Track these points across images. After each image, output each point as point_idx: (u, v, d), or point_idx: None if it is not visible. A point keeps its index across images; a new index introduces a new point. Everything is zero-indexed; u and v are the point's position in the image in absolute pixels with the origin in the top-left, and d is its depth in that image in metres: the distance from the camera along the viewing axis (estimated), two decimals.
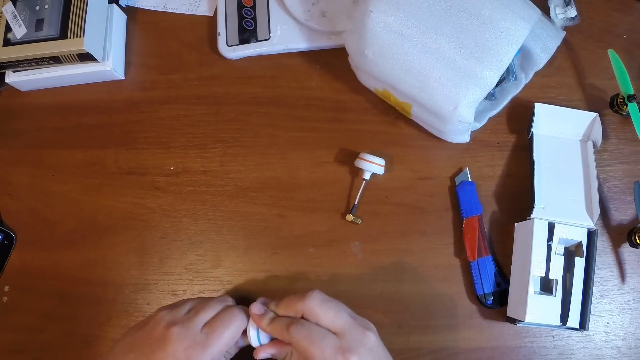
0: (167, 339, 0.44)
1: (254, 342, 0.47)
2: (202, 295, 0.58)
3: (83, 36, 0.58)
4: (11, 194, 0.61)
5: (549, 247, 0.53)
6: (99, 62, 0.61)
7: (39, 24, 0.58)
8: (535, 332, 0.56)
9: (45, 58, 0.59)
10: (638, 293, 0.57)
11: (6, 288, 0.58)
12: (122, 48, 0.65)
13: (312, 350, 0.42)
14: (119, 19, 0.65)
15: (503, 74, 0.54)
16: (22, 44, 0.58)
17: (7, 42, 0.59)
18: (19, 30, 0.58)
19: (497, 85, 0.57)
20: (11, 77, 0.63)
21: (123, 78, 0.65)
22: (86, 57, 0.59)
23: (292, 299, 0.46)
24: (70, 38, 0.58)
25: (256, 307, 0.47)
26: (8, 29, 0.59)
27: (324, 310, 0.44)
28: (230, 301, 0.51)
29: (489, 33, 0.50)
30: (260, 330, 0.47)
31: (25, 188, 0.62)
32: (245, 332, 0.48)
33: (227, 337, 0.46)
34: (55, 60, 0.59)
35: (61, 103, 0.64)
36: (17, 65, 0.60)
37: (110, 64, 0.62)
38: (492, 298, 0.56)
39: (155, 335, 0.44)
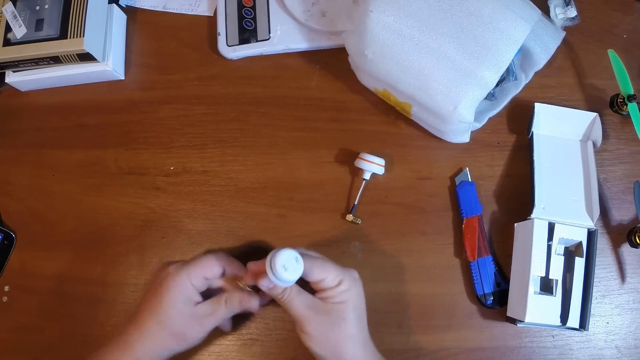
0: (155, 274, 0.50)
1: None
2: None
3: (83, 36, 0.58)
4: (11, 194, 0.61)
5: (549, 247, 0.53)
6: (99, 62, 0.61)
7: (39, 23, 0.58)
8: (535, 332, 0.56)
9: (45, 58, 0.59)
10: (638, 293, 0.57)
11: (6, 288, 0.58)
12: (122, 48, 0.65)
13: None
14: (119, 19, 0.65)
15: (503, 74, 0.54)
16: (22, 44, 0.58)
17: (7, 42, 0.58)
18: (19, 30, 0.58)
19: (497, 85, 0.57)
20: (11, 77, 0.63)
21: (123, 78, 0.65)
22: (86, 57, 0.59)
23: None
24: (70, 38, 0.58)
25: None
26: (8, 29, 0.59)
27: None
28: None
29: (489, 33, 0.50)
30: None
31: (25, 188, 0.61)
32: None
33: (204, 264, 0.49)
34: (55, 60, 0.59)
35: (61, 103, 0.64)
36: (17, 65, 0.60)
37: (110, 64, 0.62)
38: (492, 298, 0.56)
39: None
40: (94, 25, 0.60)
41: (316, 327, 0.45)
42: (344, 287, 0.46)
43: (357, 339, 0.46)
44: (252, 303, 0.50)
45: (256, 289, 0.49)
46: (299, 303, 0.46)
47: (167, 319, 0.47)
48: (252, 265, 0.49)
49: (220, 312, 0.49)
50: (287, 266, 0.43)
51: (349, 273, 0.48)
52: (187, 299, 0.48)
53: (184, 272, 0.48)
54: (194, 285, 0.49)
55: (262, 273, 0.45)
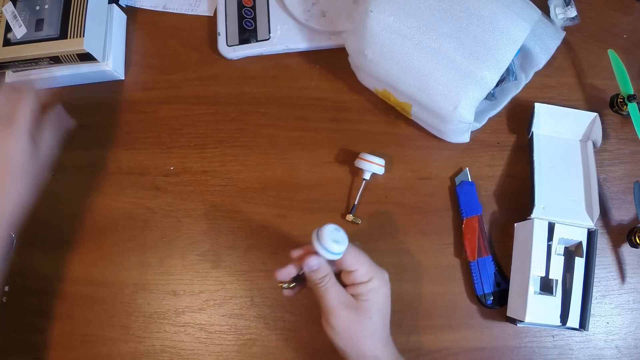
0: None
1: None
2: (202, 294, 0.58)
3: (83, 36, 0.58)
4: None
5: (549, 247, 0.53)
6: (99, 62, 0.61)
7: (39, 23, 0.58)
8: (535, 332, 0.56)
9: (44, 58, 0.59)
10: (638, 293, 0.57)
11: (6, 288, 0.58)
12: (122, 48, 0.65)
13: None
14: (119, 19, 0.65)
15: (503, 74, 0.54)
16: (22, 44, 0.58)
17: (7, 42, 0.58)
18: (19, 30, 0.58)
19: (497, 85, 0.57)
20: (11, 77, 0.63)
21: (123, 78, 0.65)
22: (86, 57, 0.59)
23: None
24: (70, 38, 0.58)
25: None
26: (8, 29, 0.59)
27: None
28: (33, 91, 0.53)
29: (489, 33, 0.50)
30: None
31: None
32: None
33: (26, 112, 0.50)
34: (55, 60, 0.59)
35: (61, 103, 0.64)
36: (17, 65, 0.60)
37: (110, 64, 0.62)
38: (492, 298, 0.56)
39: None
40: (94, 25, 0.60)
41: (342, 322, 0.46)
42: (374, 285, 0.47)
43: (378, 338, 0.47)
44: (68, 123, 0.55)
45: (298, 280, 0.49)
46: (332, 294, 0.46)
47: (16, 175, 0.50)
48: (295, 253, 0.49)
49: (52, 141, 0.54)
50: (335, 238, 0.45)
51: (381, 272, 0.48)
52: (26, 153, 0.50)
53: (16, 131, 0.49)
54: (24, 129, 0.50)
55: (306, 255, 0.47)
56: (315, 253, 0.46)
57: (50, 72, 0.62)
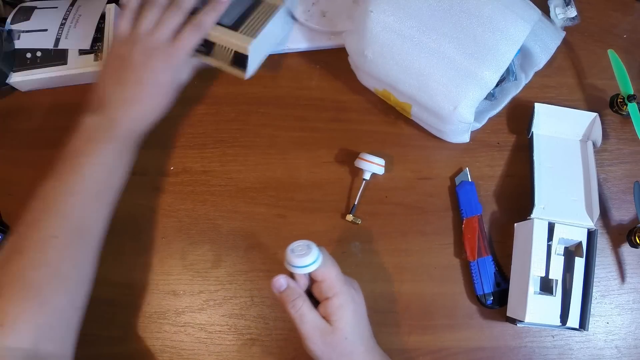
0: (144, 65, 0.53)
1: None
2: (202, 294, 0.58)
3: (254, 37, 0.55)
4: (12, 194, 0.61)
5: (549, 247, 0.53)
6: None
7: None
8: (535, 332, 0.56)
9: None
10: (638, 293, 0.57)
11: None
12: None
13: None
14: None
15: (503, 74, 0.54)
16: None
17: None
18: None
19: (497, 85, 0.57)
20: (12, 78, 0.63)
21: None
22: (240, 62, 0.57)
23: None
24: (240, 33, 0.56)
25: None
26: None
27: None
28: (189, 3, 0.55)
29: (489, 33, 0.50)
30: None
31: (25, 188, 0.61)
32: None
33: (194, 43, 0.55)
34: (208, 47, 0.57)
35: (61, 103, 0.64)
36: None
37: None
38: (492, 298, 0.56)
39: (135, 67, 0.53)
40: (267, 38, 0.58)
41: (320, 347, 0.46)
42: (340, 301, 0.46)
43: (357, 354, 0.47)
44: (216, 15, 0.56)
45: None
46: (308, 322, 0.46)
47: (167, 95, 0.55)
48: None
49: (190, 74, 0.58)
50: (295, 250, 0.46)
51: (347, 286, 0.48)
52: (179, 79, 0.57)
53: (181, 61, 0.55)
54: (179, 64, 0.55)
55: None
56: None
57: (51, 72, 0.62)
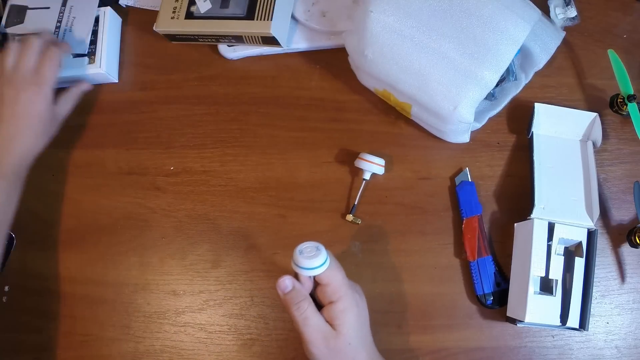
0: (15, 96, 0.55)
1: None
2: (202, 294, 0.58)
3: (271, 19, 0.57)
4: None
5: (549, 247, 0.53)
6: (94, 64, 0.62)
7: (225, 1, 0.59)
8: (535, 332, 0.56)
9: (227, 36, 0.60)
10: (638, 293, 0.57)
11: (6, 288, 0.58)
12: (116, 51, 0.65)
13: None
14: (114, 22, 0.65)
15: (503, 74, 0.54)
16: (204, 19, 0.59)
17: (190, 16, 0.60)
18: (204, 5, 0.59)
19: (497, 85, 0.57)
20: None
21: (117, 81, 0.65)
22: (270, 41, 0.59)
23: None
24: (257, 20, 0.58)
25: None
26: (192, 2, 0.60)
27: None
28: (48, 36, 0.59)
29: (489, 33, 0.50)
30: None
31: (25, 188, 0.61)
32: None
33: (56, 69, 0.57)
34: (238, 39, 0.60)
35: None
36: (196, 39, 0.62)
37: (104, 67, 0.62)
38: (492, 298, 0.56)
39: (6, 102, 0.55)
40: (282, 9, 0.59)
41: (323, 352, 0.46)
42: (343, 306, 0.46)
43: (357, 358, 0.47)
44: (84, 85, 0.62)
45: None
46: (312, 325, 0.46)
47: (40, 130, 0.57)
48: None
49: (69, 105, 0.61)
50: (304, 251, 0.45)
51: (352, 291, 0.47)
52: (51, 111, 0.58)
53: (49, 89, 0.57)
54: (49, 90, 0.57)
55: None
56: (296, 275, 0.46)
57: None
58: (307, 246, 0.46)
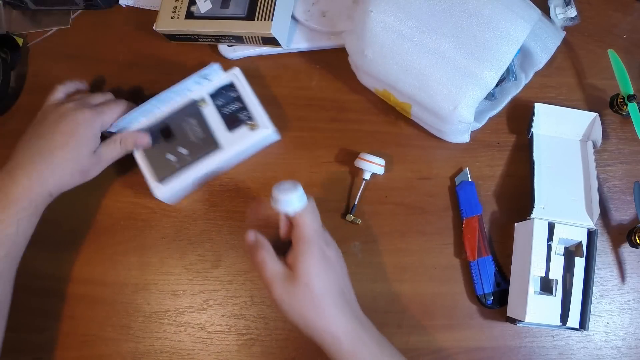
0: (65, 113, 0.53)
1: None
2: (202, 294, 0.58)
3: (271, 20, 0.57)
4: None
5: (549, 247, 0.53)
6: None
7: (225, 1, 0.59)
8: (535, 332, 0.56)
9: (227, 36, 0.59)
10: (638, 293, 0.57)
11: None
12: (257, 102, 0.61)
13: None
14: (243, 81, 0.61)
15: (503, 74, 0.54)
16: (205, 19, 0.59)
17: (190, 15, 0.60)
18: (204, 5, 0.58)
19: (497, 85, 0.57)
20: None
21: (280, 138, 0.63)
22: (270, 42, 0.59)
23: None
24: (258, 20, 0.57)
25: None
26: (192, 2, 0.60)
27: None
28: (110, 96, 0.58)
29: (489, 33, 0.50)
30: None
31: None
32: None
33: (118, 111, 0.55)
34: (238, 40, 0.60)
35: None
36: (196, 39, 0.61)
37: (270, 126, 0.59)
38: (492, 298, 0.56)
39: (54, 116, 0.53)
40: (282, 10, 0.59)
41: (281, 294, 0.46)
42: (302, 248, 0.46)
43: (328, 309, 0.45)
44: (144, 139, 0.57)
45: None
46: (269, 267, 0.46)
47: (78, 157, 0.53)
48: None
49: (116, 151, 0.56)
50: (282, 187, 0.47)
51: (317, 239, 0.47)
52: (95, 140, 0.54)
53: (99, 118, 0.54)
54: (101, 127, 0.54)
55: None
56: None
57: None
58: (286, 183, 0.48)
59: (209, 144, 0.57)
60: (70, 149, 0.52)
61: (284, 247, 0.49)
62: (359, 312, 0.48)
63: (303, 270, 0.45)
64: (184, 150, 0.56)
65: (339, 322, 0.45)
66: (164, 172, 0.56)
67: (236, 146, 0.57)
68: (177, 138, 0.57)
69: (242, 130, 0.57)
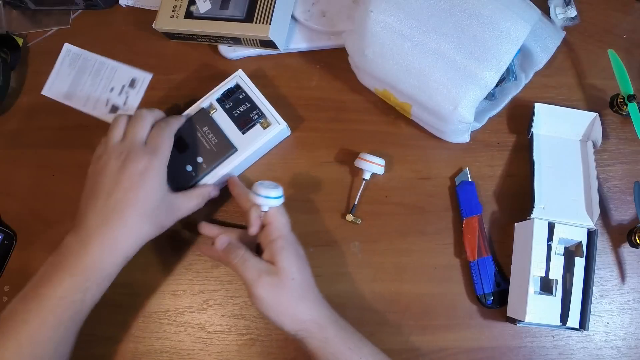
0: (120, 171, 0.48)
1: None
2: (202, 294, 0.58)
3: (269, 23, 0.57)
4: (11, 194, 0.61)
5: (549, 247, 0.53)
6: None
7: (224, 2, 0.59)
8: (535, 332, 0.56)
9: (225, 37, 0.59)
10: (638, 293, 0.57)
11: (6, 288, 0.58)
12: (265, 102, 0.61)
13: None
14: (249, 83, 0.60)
15: (503, 74, 0.54)
16: (203, 20, 0.59)
17: (190, 15, 0.60)
18: (203, 5, 0.58)
19: (497, 85, 0.57)
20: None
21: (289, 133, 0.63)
22: (268, 44, 0.59)
23: None
24: (256, 22, 0.57)
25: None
26: (192, 2, 0.60)
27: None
28: (158, 112, 0.54)
29: (489, 33, 0.50)
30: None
31: (25, 188, 0.61)
32: None
33: (170, 141, 0.51)
34: (236, 41, 0.60)
35: (61, 103, 0.64)
36: (195, 39, 0.62)
37: (282, 122, 0.58)
38: (492, 298, 0.56)
39: (110, 174, 0.48)
40: (281, 13, 0.59)
41: (267, 289, 0.47)
42: (282, 243, 0.49)
43: (310, 299, 0.48)
44: (215, 192, 0.56)
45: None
46: (251, 264, 0.47)
47: (149, 211, 0.48)
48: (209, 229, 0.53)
49: (192, 204, 0.53)
50: (263, 184, 0.50)
51: (291, 235, 0.50)
52: (164, 191, 0.50)
53: (161, 163, 0.49)
54: (165, 166, 0.50)
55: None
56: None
57: None
58: (266, 182, 0.51)
59: (225, 149, 0.57)
60: (139, 205, 0.48)
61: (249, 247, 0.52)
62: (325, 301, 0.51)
63: (287, 264, 0.47)
64: (200, 159, 0.56)
65: (323, 311, 0.49)
66: (182, 184, 0.55)
67: (251, 146, 0.57)
68: (193, 148, 0.57)
69: (255, 130, 0.57)
